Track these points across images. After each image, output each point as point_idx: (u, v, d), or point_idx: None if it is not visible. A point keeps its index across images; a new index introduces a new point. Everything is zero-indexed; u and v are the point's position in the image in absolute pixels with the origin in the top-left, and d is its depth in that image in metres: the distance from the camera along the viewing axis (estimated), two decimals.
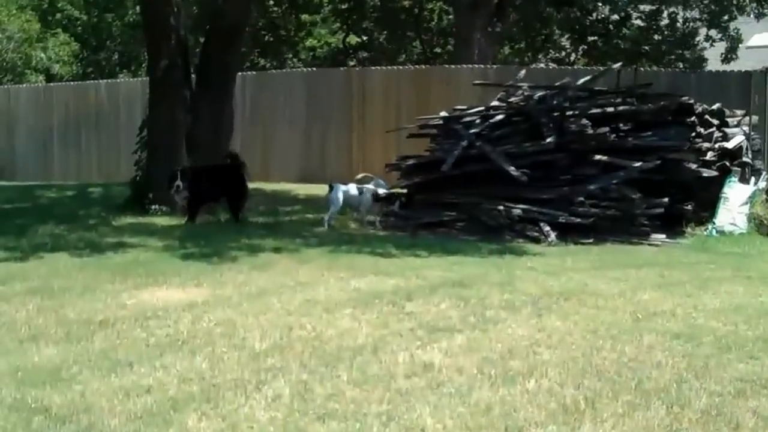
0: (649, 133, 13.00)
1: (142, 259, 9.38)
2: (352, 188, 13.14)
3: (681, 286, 8.22)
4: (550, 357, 5.73)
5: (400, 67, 21.55)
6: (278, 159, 20.52)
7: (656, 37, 26.50)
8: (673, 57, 26.17)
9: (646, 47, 26.79)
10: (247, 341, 6.12)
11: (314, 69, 23.18)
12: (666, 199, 12.32)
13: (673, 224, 12.74)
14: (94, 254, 9.67)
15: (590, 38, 27.80)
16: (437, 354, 5.80)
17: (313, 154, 20.30)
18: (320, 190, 17.96)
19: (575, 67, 22.15)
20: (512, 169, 12.28)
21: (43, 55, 28.39)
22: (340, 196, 12.84)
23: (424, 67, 21.72)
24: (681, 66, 24.24)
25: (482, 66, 20.01)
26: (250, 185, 18.68)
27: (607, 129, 12.77)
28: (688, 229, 12.98)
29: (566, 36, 29.19)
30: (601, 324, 6.67)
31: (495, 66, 20.16)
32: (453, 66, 20.59)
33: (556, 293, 7.77)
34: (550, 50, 30.31)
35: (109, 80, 24.73)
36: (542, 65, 27.87)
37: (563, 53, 29.83)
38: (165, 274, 8.49)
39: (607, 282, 8.40)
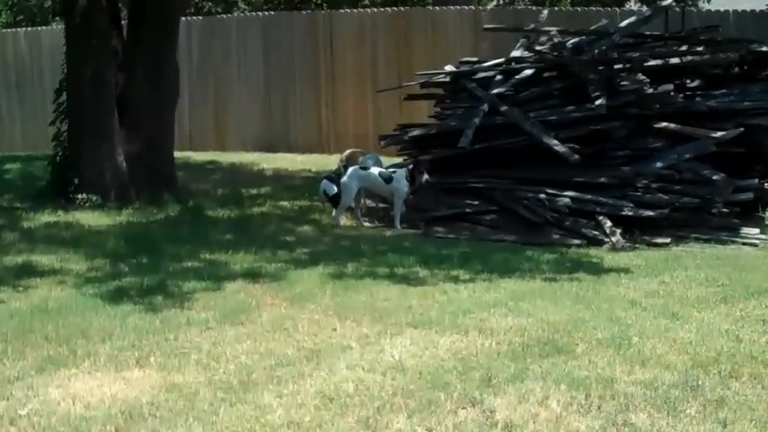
0: (723, 91, 10.09)
1: (54, 303, 6.23)
2: (375, 171, 9.71)
3: None
4: None
5: (375, 10, 18.32)
6: (234, 123, 17.29)
7: None
8: None
9: None
10: None
11: (272, 12, 19.73)
12: (756, 180, 9.46)
13: (747, 209, 9.83)
14: None
15: None
16: None
17: (275, 117, 17.08)
18: (288, 162, 15.01)
19: (592, 8, 18.78)
20: (555, 143, 9.30)
21: None
22: (354, 183, 9.57)
23: (403, 9, 18.52)
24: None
25: (472, 8, 16.94)
26: (204, 156, 15.67)
27: (671, 87, 9.84)
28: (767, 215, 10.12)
29: None
30: None
31: (489, 8, 17.01)
32: (437, 8, 17.45)
33: (709, 362, 4.93)
34: None
35: (29, 29, 21.05)
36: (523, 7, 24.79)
37: None
38: (87, 335, 5.46)
39: (761, 331, 5.54)
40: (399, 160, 11.02)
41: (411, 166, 9.61)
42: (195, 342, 5.31)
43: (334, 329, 5.54)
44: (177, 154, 12.43)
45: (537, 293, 6.46)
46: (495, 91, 10.34)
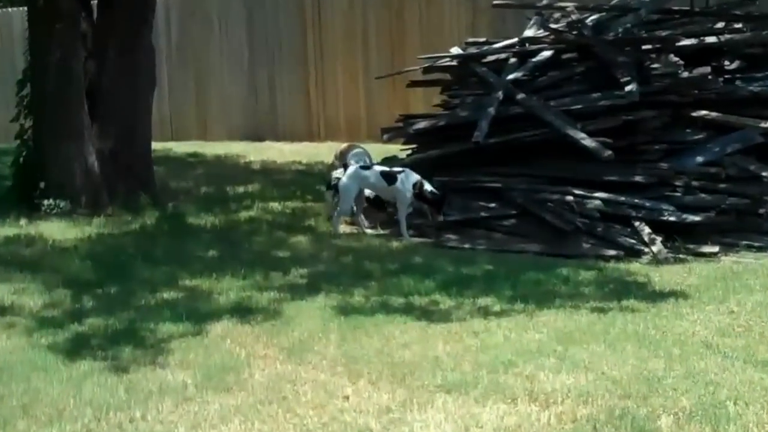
0: (766, 73, 8.96)
1: None
2: (378, 170, 8.49)
3: None
4: None
5: None
6: (217, 110, 16.13)
7: None
8: None
9: None
10: None
11: None
12: None
13: None
14: None
15: None
16: None
17: (261, 102, 15.89)
18: (276, 153, 13.85)
19: None
20: (582, 137, 8.16)
21: None
22: (353, 184, 8.36)
23: None
24: None
25: None
26: (186, 148, 14.48)
27: (708, 70, 8.72)
28: None
29: None
30: None
31: None
32: None
33: None
34: None
35: (0, 11, 19.74)
36: None
37: None
38: (31, 414, 4.35)
39: None
40: (397, 152, 9.94)
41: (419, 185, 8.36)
42: (168, 423, 4.17)
43: (346, 397, 4.41)
44: (157, 145, 11.31)
45: (587, 332, 5.33)
46: (510, 76, 9.16)
